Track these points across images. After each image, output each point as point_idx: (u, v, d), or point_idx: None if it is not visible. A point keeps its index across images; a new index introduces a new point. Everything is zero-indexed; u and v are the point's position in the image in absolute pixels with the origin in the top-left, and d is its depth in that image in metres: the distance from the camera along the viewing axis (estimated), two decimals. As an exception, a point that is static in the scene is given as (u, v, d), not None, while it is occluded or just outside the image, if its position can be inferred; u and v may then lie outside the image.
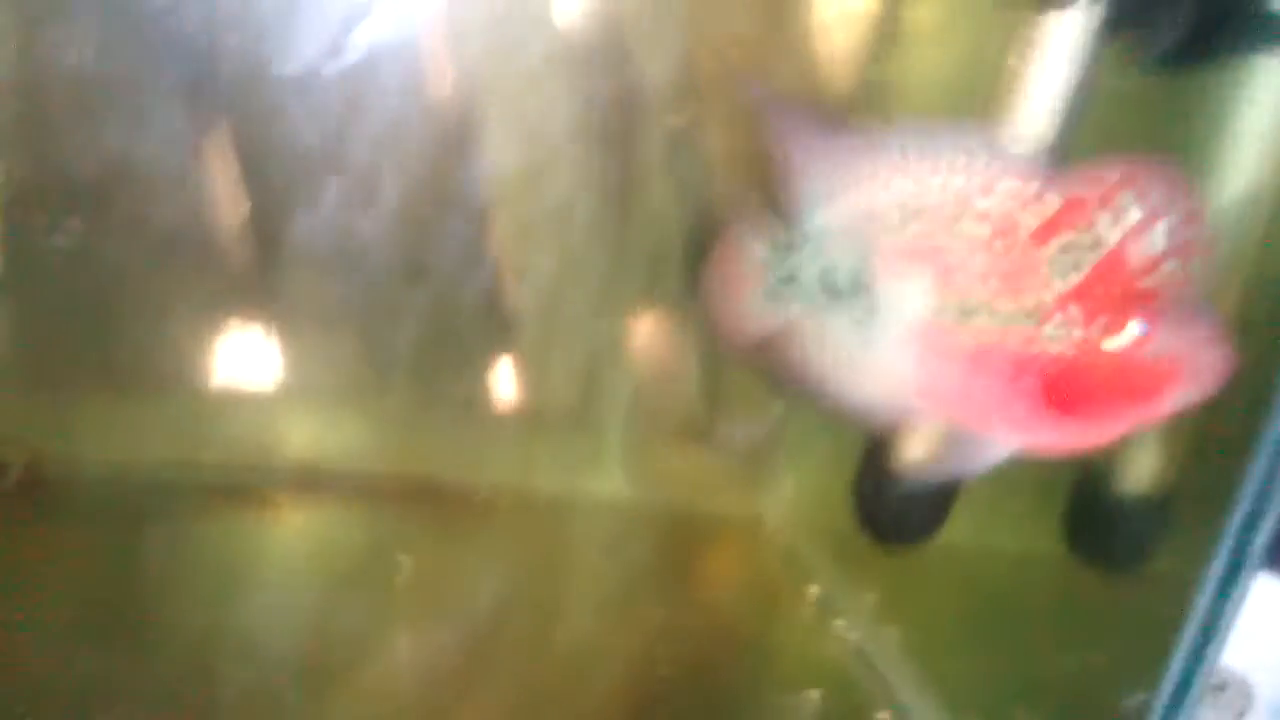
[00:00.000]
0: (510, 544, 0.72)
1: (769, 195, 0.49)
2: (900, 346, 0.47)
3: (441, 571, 0.70)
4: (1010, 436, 0.47)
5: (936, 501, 0.65)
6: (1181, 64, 0.56)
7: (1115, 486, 0.62)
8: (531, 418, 0.75)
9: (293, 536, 0.74)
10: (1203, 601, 0.51)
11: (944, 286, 0.45)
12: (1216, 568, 0.51)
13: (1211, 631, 0.52)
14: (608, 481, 0.75)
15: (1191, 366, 0.42)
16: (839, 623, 0.72)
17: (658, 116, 0.68)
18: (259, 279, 0.69)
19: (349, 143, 0.64)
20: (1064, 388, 0.44)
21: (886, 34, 0.67)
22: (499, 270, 0.70)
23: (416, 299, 0.68)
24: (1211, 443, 0.56)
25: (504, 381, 0.75)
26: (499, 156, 0.68)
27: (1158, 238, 0.40)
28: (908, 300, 0.46)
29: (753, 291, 0.50)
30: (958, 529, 0.66)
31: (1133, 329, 0.42)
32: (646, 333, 0.73)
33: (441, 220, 0.68)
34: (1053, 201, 0.42)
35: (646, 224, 0.70)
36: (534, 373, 0.74)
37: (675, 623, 0.69)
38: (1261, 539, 0.50)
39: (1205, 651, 0.52)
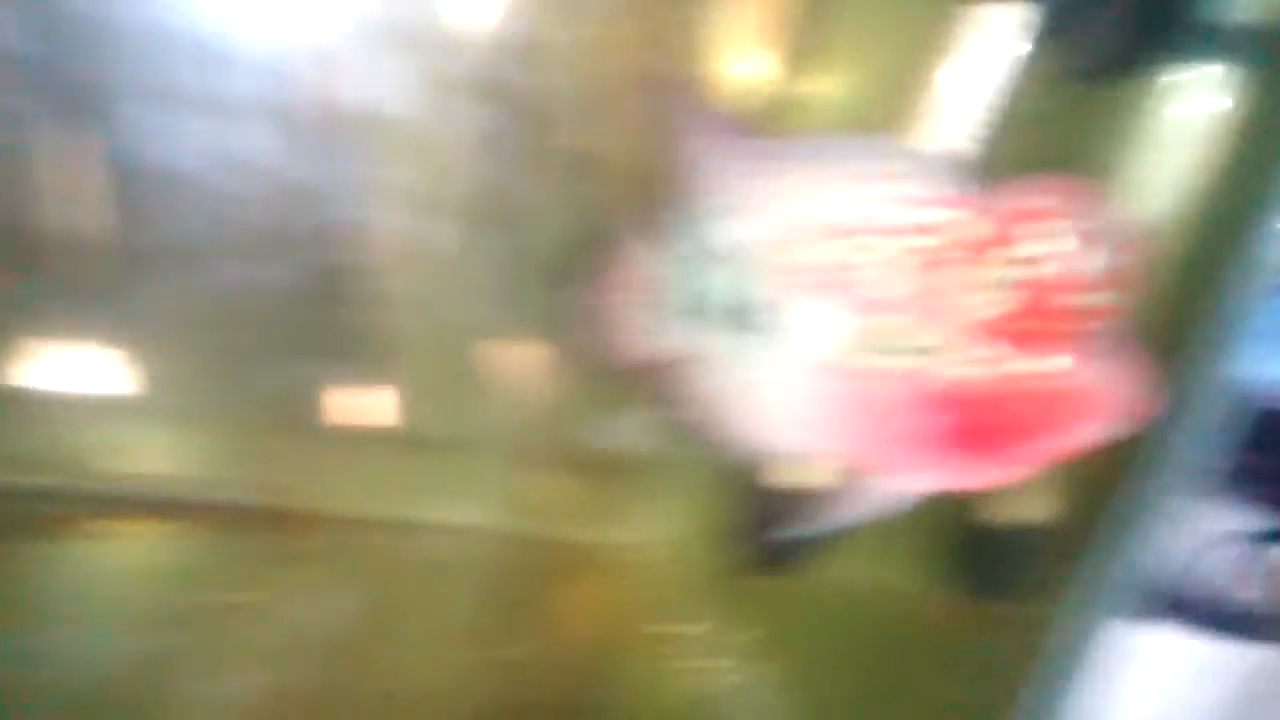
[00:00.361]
0: (367, 572, 0.67)
1: (675, 213, 0.46)
2: (806, 378, 0.44)
3: (292, 601, 0.64)
4: (916, 478, 0.44)
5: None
6: (1112, 76, 0.55)
7: (1003, 524, 0.61)
8: (398, 440, 0.70)
9: (129, 563, 0.67)
10: (1071, 641, 0.50)
11: (859, 315, 0.42)
12: (1090, 607, 0.50)
13: (1075, 673, 0.50)
14: (475, 508, 0.71)
15: (1114, 400, 0.41)
16: (716, 659, 0.68)
17: (554, 131, 0.65)
18: (101, 289, 0.64)
19: (207, 155, 0.61)
20: (980, 424, 0.41)
21: (805, 47, 0.64)
22: (370, 286, 0.66)
23: (280, 314, 0.65)
24: (1104, 483, 0.54)
25: (369, 402, 0.70)
26: (378, 171, 0.64)
27: (1091, 265, 0.39)
28: (819, 328, 0.43)
29: (654, 314, 0.47)
30: (841, 565, 0.64)
31: (1059, 361, 0.40)
32: (523, 354, 0.70)
33: (307, 233, 0.64)
34: (982, 226, 0.40)
35: (533, 242, 0.67)
36: (403, 393, 0.70)
37: (541, 657, 0.64)
38: (1134, 580, 0.49)
39: (1066, 692, 0.50)
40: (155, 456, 0.68)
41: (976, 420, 0.41)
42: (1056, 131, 0.55)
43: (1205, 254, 0.51)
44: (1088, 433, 0.42)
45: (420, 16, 0.62)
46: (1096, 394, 0.41)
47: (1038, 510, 0.60)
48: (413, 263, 0.66)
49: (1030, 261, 0.39)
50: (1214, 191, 0.53)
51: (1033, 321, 0.40)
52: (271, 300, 0.65)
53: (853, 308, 0.42)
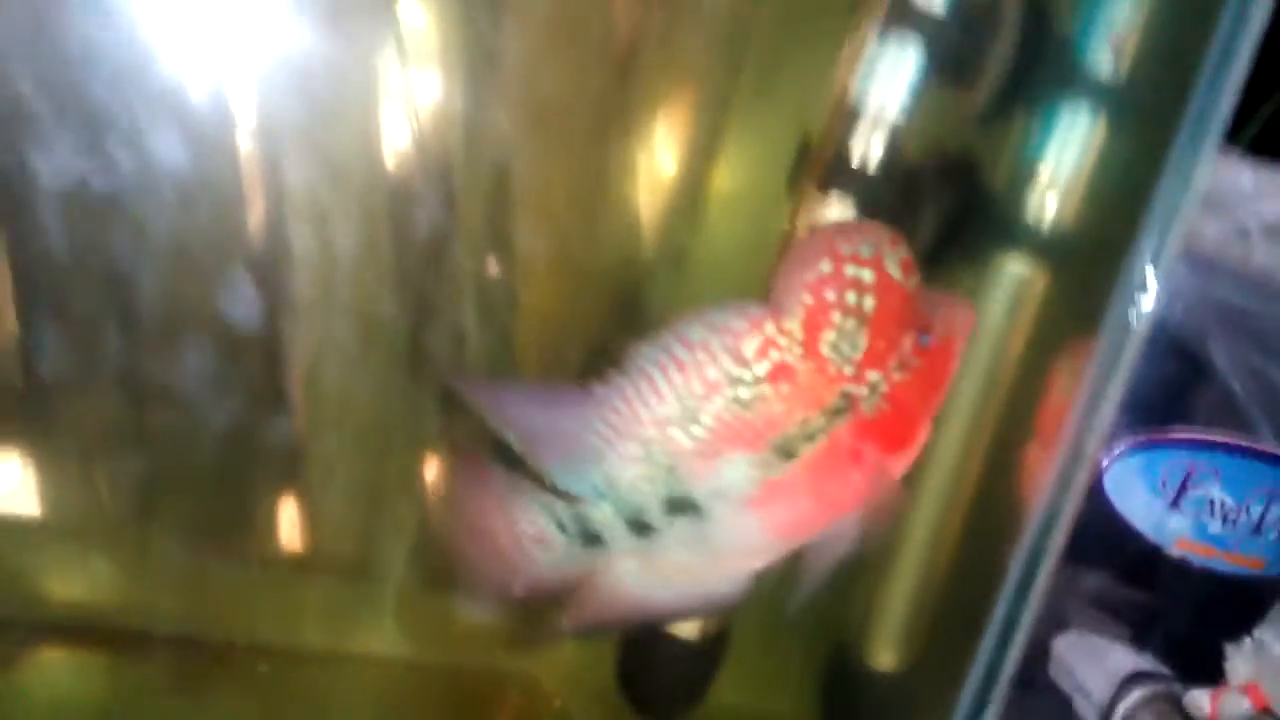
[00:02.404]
0: (270, 701, 0.65)
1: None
2: (742, 524, 0.47)
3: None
4: (873, 499, 0.48)
5: (700, 671, 0.65)
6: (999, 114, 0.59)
7: (865, 656, 0.65)
8: (304, 564, 0.68)
9: (26, 693, 0.64)
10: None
11: (759, 448, 0.46)
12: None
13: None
14: (379, 636, 0.69)
15: (958, 329, 0.48)
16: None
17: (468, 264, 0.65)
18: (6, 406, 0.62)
19: (118, 261, 0.59)
20: (895, 430, 0.47)
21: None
22: (283, 404, 0.64)
23: (183, 431, 0.62)
24: (952, 618, 0.61)
25: (278, 523, 0.67)
26: (292, 287, 0.62)
27: (893, 272, 0.44)
28: (731, 484, 0.47)
29: (543, 558, 0.49)
30: (723, 692, 0.65)
31: (918, 344, 0.46)
32: (433, 479, 0.68)
33: (216, 349, 0.61)
34: (793, 324, 0.45)
35: (446, 364, 0.66)
36: (311, 515, 0.67)
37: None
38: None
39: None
40: (59, 581, 0.66)
41: (892, 431, 0.47)
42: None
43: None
44: (957, 358, 0.48)
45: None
46: (947, 335, 0.47)
47: (901, 647, 0.64)
48: (334, 382, 0.65)
49: (860, 307, 0.44)
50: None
51: (887, 338, 0.45)
52: (182, 418, 0.62)
53: (752, 446, 0.46)
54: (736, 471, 0.46)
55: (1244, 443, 0.71)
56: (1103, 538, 0.73)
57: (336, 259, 0.62)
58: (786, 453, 0.46)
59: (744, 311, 0.45)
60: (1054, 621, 0.77)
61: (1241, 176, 0.80)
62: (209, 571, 0.65)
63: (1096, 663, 0.73)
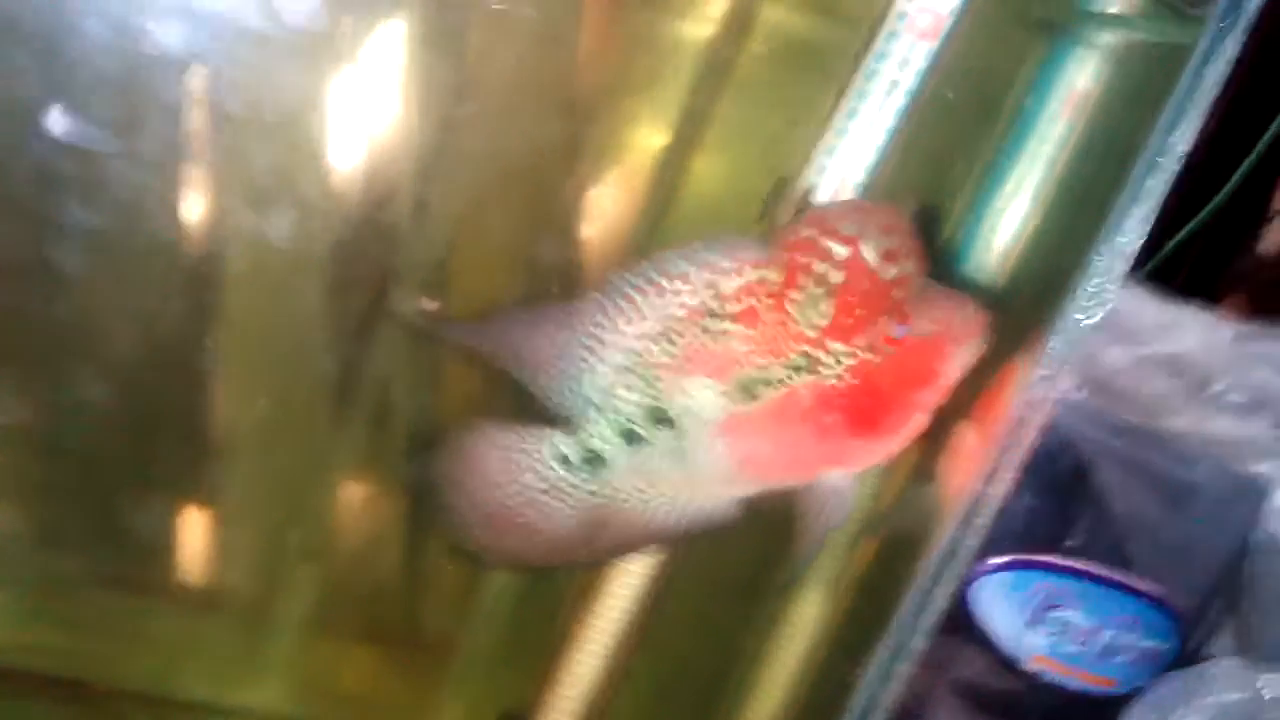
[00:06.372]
0: None
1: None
2: (712, 448, 0.51)
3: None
4: (835, 469, 0.52)
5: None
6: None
7: None
8: (199, 605, 0.66)
9: None
10: None
11: (724, 380, 0.50)
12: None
13: None
14: (268, 688, 0.67)
15: (953, 334, 0.50)
16: None
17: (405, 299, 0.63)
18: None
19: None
20: (861, 408, 0.50)
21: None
22: (195, 437, 0.63)
23: (82, 455, 0.61)
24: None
25: (178, 564, 0.65)
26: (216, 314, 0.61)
27: (869, 256, 0.47)
28: (702, 406, 0.50)
29: (564, 500, 0.52)
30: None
31: (893, 332, 0.49)
32: (345, 526, 0.67)
33: (121, 373, 0.60)
34: (773, 274, 0.48)
35: (376, 408, 0.65)
36: (213, 556, 0.65)
37: None
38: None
39: None
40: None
41: (858, 407, 0.50)
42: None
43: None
44: (953, 366, 0.50)
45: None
46: (939, 335, 0.49)
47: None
48: (244, 409, 0.63)
49: (828, 276, 0.47)
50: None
51: (856, 315, 0.48)
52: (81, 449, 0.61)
53: (720, 376, 0.50)
54: (705, 396, 0.50)
55: (1106, 573, 0.74)
56: (968, 641, 0.76)
57: (265, 291, 0.62)
58: (749, 391, 0.50)
59: (734, 252, 0.48)
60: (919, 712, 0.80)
61: (1146, 307, 0.83)
62: (97, 608, 0.64)
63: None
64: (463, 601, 0.68)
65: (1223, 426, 0.80)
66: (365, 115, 0.58)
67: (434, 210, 0.62)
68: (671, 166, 0.61)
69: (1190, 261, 1.00)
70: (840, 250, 0.46)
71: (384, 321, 0.63)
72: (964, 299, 0.50)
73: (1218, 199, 0.98)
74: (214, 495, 0.65)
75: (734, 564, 0.64)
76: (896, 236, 0.47)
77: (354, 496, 0.67)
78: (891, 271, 0.47)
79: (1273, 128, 0.96)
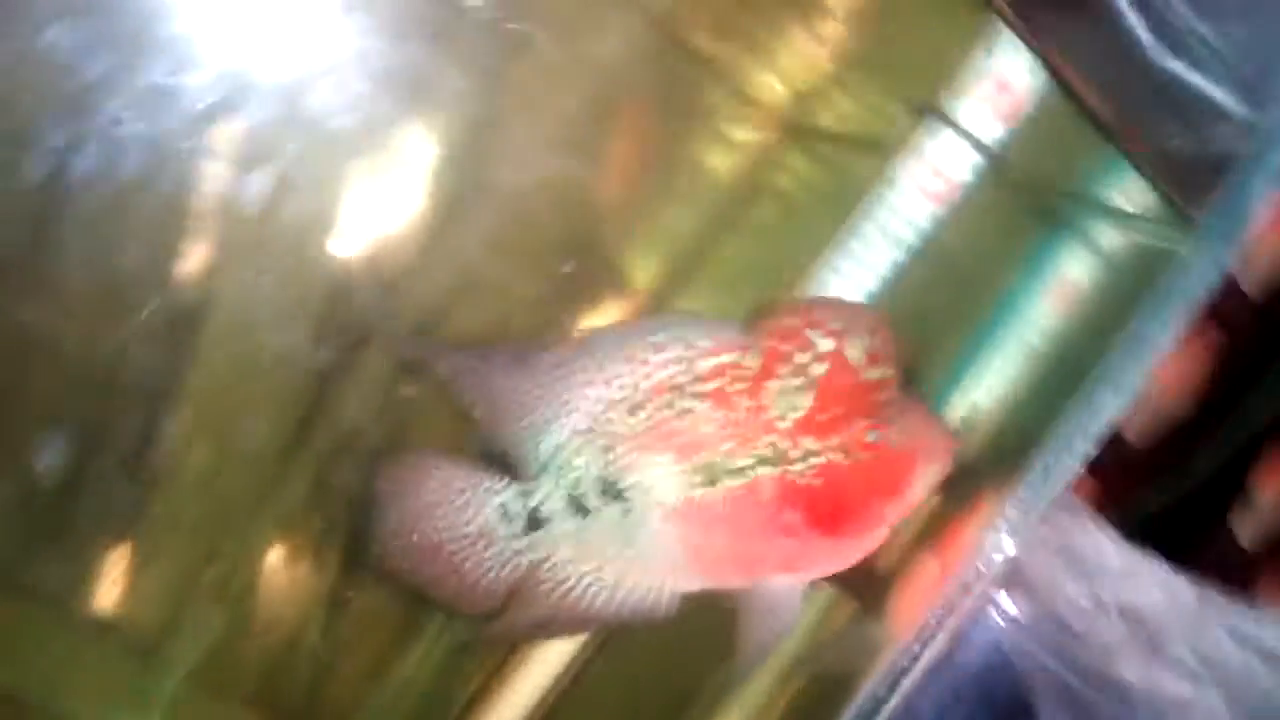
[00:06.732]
0: None
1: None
2: (662, 532, 0.49)
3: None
4: (786, 574, 0.50)
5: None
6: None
7: None
8: (100, 628, 0.63)
9: None
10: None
11: (684, 461, 0.48)
12: None
13: None
14: None
15: (924, 449, 0.49)
16: None
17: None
18: None
19: None
20: (824, 509, 0.48)
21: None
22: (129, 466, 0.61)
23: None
24: None
25: (97, 589, 0.62)
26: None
27: (853, 354, 0.46)
28: (657, 485, 0.49)
29: (491, 551, 0.50)
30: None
31: (867, 436, 0.48)
32: (266, 582, 0.64)
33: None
34: (751, 359, 0.47)
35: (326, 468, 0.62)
36: (123, 579, 0.62)
37: None
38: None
39: None
40: None
41: (820, 508, 0.48)
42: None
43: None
44: (917, 484, 0.49)
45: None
46: (909, 449, 0.48)
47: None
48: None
49: (809, 370, 0.46)
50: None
51: (832, 413, 0.47)
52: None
53: (681, 457, 0.48)
54: (663, 475, 0.48)
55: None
56: None
57: (237, 335, 0.60)
58: (710, 476, 0.48)
59: (714, 331, 0.47)
60: None
61: (1109, 550, 0.82)
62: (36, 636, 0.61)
63: None
64: (365, 692, 0.65)
65: (1173, 689, 0.77)
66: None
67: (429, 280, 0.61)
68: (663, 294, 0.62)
69: (1171, 520, 0.99)
70: (825, 343, 0.46)
71: (353, 376, 0.61)
72: (937, 417, 0.50)
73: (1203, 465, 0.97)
74: (137, 521, 0.62)
75: (659, 669, 0.61)
76: (880, 339, 0.46)
77: (283, 556, 0.64)
78: (874, 373, 0.46)
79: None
